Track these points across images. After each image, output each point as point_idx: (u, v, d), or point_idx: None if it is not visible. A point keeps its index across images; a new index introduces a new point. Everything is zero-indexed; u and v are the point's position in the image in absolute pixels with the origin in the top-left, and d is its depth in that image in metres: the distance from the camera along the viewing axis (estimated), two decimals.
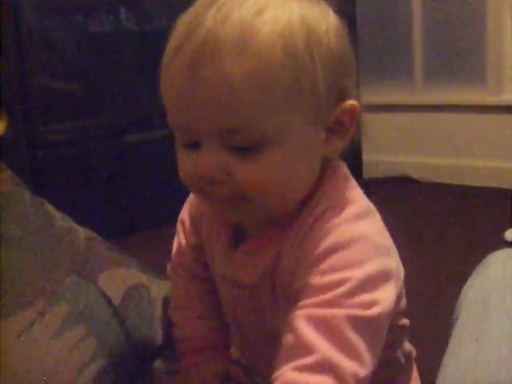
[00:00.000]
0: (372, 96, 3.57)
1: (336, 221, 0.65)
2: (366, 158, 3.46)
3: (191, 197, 0.82)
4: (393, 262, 0.69)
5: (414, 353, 0.83)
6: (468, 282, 0.86)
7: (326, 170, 0.70)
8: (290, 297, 0.67)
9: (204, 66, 0.61)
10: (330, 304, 0.61)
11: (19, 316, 0.74)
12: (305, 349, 0.60)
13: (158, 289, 0.93)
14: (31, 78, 2.73)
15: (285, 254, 0.68)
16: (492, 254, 0.90)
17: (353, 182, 0.73)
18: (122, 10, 2.94)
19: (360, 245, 0.64)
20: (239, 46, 0.61)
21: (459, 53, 3.44)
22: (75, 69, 2.86)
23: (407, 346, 0.81)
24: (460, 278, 0.93)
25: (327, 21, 0.67)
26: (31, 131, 2.67)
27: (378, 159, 3.62)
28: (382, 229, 0.71)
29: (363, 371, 0.60)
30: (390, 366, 0.76)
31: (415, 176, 3.56)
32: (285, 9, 0.64)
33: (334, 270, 0.62)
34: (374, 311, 0.61)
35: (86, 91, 2.83)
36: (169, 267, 0.86)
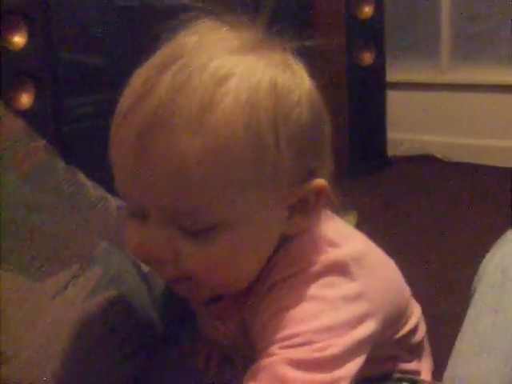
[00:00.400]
0: (398, 74, 3.56)
1: (283, 291, 0.61)
2: (390, 135, 3.45)
3: None
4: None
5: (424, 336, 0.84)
6: (487, 256, 0.88)
7: (281, 243, 0.64)
8: None
9: (153, 140, 0.54)
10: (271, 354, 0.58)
11: (54, 278, 0.77)
12: None
13: None
14: (58, 52, 2.75)
15: (248, 322, 0.66)
16: (510, 231, 0.91)
17: (322, 236, 0.66)
18: None
19: (305, 305, 0.60)
20: (195, 122, 0.54)
21: (487, 33, 3.41)
22: (101, 42, 2.88)
23: (414, 340, 0.81)
24: (481, 255, 0.94)
25: (300, 88, 0.61)
26: (57, 105, 2.70)
27: (402, 137, 3.61)
28: (350, 281, 0.64)
29: None
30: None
31: (439, 155, 3.55)
32: (253, 76, 0.57)
33: (279, 329, 0.59)
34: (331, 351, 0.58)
35: (110, 64, 2.85)
36: None
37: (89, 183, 0.94)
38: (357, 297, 0.63)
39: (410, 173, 3.42)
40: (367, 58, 3.25)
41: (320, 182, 0.62)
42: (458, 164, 3.47)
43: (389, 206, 2.93)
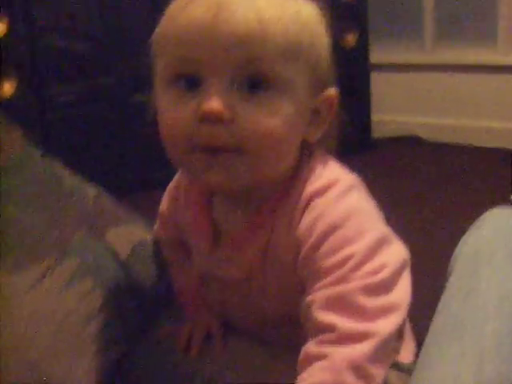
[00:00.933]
0: (382, 55, 3.56)
1: (324, 204, 0.66)
2: (374, 117, 3.46)
3: (171, 189, 0.83)
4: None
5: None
6: (463, 238, 0.89)
7: (302, 156, 0.71)
8: (284, 284, 0.70)
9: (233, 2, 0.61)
10: (340, 281, 0.62)
11: (30, 270, 0.77)
12: (326, 330, 0.61)
13: None
14: (40, 40, 2.73)
15: (275, 243, 0.69)
16: (488, 212, 0.92)
17: (331, 162, 0.72)
18: None
19: (353, 220, 0.65)
20: None
21: (470, 12, 3.41)
22: (84, 28, 2.86)
23: None
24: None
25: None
26: (41, 93, 2.69)
27: (387, 119, 3.62)
28: (368, 198, 0.72)
29: (390, 325, 0.62)
30: None
31: (424, 136, 3.56)
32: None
33: (335, 250, 0.63)
34: (385, 273, 0.63)
35: (94, 51, 2.83)
36: (155, 228, 0.89)
37: (66, 172, 0.94)
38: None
39: (394, 154, 3.43)
40: (350, 40, 3.24)
41: (331, 92, 0.70)
42: (442, 145, 3.48)
43: (373, 187, 2.94)
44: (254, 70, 0.62)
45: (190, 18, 0.62)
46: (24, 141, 0.93)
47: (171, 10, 0.65)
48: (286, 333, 0.76)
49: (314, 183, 0.68)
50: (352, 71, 3.23)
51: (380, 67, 3.51)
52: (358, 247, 0.64)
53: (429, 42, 3.58)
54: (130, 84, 2.80)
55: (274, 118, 0.63)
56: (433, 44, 3.57)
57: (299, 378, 0.61)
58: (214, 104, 0.61)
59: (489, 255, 0.80)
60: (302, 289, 0.66)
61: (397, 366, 0.76)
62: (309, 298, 0.64)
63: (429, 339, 0.72)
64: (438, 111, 3.54)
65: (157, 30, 0.67)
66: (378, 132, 3.54)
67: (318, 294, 0.63)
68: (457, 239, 0.97)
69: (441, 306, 0.77)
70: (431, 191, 2.87)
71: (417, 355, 0.78)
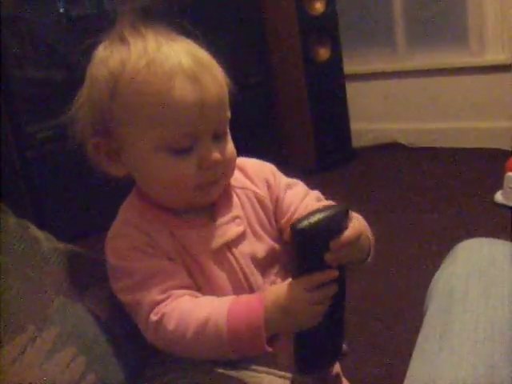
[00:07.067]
0: (356, 65, 3.58)
1: (248, 166, 0.97)
2: (353, 126, 3.49)
3: (124, 230, 0.88)
4: None
5: None
6: (437, 273, 0.90)
7: None
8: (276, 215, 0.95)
9: (202, 75, 0.81)
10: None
11: (11, 344, 0.77)
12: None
13: None
14: (12, 72, 2.70)
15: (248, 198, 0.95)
16: (460, 244, 0.93)
17: None
18: None
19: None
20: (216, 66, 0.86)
21: (440, 16, 3.44)
22: (58, 59, 2.83)
23: None
24: (450, 243, 0.97)
25: None
26: (18, 132, 2.68)
27: (366, 127, 3.65)
28: None
29: None
30: None
31: (404, 142, 3.59)
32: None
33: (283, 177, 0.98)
34: None
35: (72, 81, 2.81)
36: (154, 312, 0.84)
37: (41, 236, 0.95)
38: None
39: (376, 162, 3.46)
40: (323, 53, 3.26)
41: None
42: (422, 149, 3.51)
43: (357, 196, 2.96)
44: (224, 127, 0.88)
45: (184, 100, 0.80)
46: None
47: (145, 87, 0.81)
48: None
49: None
50: (327, 84, 3.25)
51: (355, 77, 3.54)
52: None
53: (401, 48, 3.61)
54: None
55: (231, 146, 0.89)
56: (405, 50, 3.60)
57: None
58: (217, 155, 0.84)
59: (463, 293, 0.81)
60: None
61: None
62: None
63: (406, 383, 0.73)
64: (416, 116, 3.57)
65: (130, 102, 0.82)
66: (358, 141, 3.57)
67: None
68: (446, 243, 0.98)
69: (417, 347, 0.78)
70: (416, 196, 2.90)
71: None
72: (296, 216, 0.91)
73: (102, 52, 0.87)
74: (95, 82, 0.86)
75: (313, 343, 0.81)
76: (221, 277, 0.88)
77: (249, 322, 0.78)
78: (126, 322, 0.92)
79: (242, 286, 0.88)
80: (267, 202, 0.95)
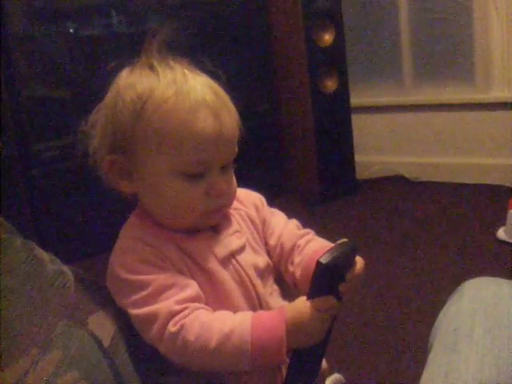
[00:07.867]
0: (362, 97, 3.60)
1: (238, 192, 1.02)
2: (358, 158, 3.50)
3: (132, 245, 0.92)
4: None
5: None
6: (442, 310, 0.90)
7: None
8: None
9: (222, 111, 0.90)
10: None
11: (14, 366, 0.77)
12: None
13: None
14: (21, 92, 2.72)
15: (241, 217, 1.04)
16: (467, 282, 0.93)
17: None
18: (113, 13, 2.94)
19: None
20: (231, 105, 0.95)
21: (447, 52, 3.47)
22: (66, 79, 2.85)
23: None
24: (452, 278, 0.97)
25: None
26: (25, 150, 2.69)
27: (371, 160, 3.66)
28: None
29: None
30: None
31: (408, 175, 3.59)
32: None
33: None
34: None
35: (78, 101, 2.83)
36: (172, 323, 0.86)
37: (46, 257, 0.95)
38: None
39: (379, 195, 3.46)
40: (331, 84, 3.28)
41: None
42: (426, 183, 3.52)
43: (361, 228, 2.96)
44: (232, 156, 0.95)
45: (205, 131, 0.88)
46: (4, 228, 0.94)
47: (171, 114, 0.88)
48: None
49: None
50: (333, 115, 3.27)
51: (361, 109, 3.56)
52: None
53: (408, 82, 3.63)
54: None
55: (235, 179, 0.98)
56: (412, 84, 3.62)
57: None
58: (224, 186, 0.93)
59: (468, 331, 0.80)
60: None
61: None
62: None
63: None
64: (421, 150, 3.58)
65: (155, 125, 0.88)
66: (362, 173, 3.58)
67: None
68: (449, 279, 0.98)
69: (423, 382, 0.78)
70: (419, 230, 2.89)
71: None
72: (283, 240, 1.04)
73: (129, 77, 0.93)
74: (121, 103, 0.90)
75: (308, 359, 0.90)
76: (230, 284, 0.93)
77: (272, 335, 0.84)
78: (128, 348, 0.92)
79: (250, 293, 0.95)
80: (258, 222, 1.05)
